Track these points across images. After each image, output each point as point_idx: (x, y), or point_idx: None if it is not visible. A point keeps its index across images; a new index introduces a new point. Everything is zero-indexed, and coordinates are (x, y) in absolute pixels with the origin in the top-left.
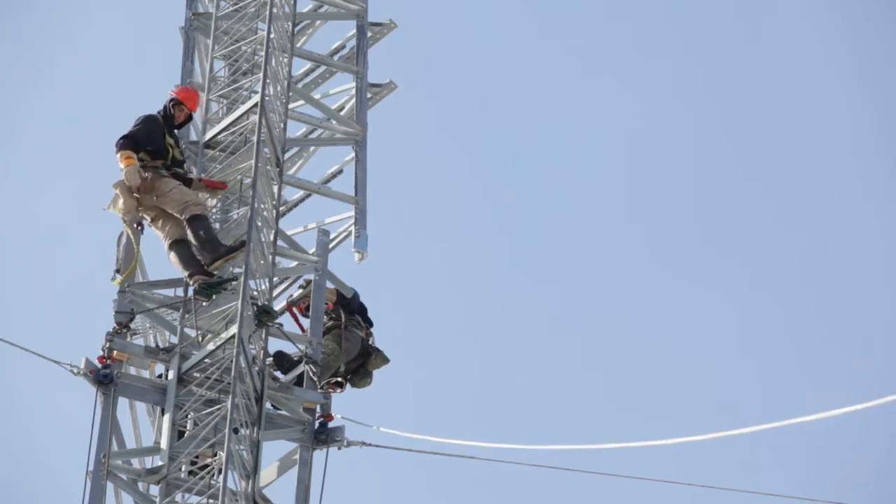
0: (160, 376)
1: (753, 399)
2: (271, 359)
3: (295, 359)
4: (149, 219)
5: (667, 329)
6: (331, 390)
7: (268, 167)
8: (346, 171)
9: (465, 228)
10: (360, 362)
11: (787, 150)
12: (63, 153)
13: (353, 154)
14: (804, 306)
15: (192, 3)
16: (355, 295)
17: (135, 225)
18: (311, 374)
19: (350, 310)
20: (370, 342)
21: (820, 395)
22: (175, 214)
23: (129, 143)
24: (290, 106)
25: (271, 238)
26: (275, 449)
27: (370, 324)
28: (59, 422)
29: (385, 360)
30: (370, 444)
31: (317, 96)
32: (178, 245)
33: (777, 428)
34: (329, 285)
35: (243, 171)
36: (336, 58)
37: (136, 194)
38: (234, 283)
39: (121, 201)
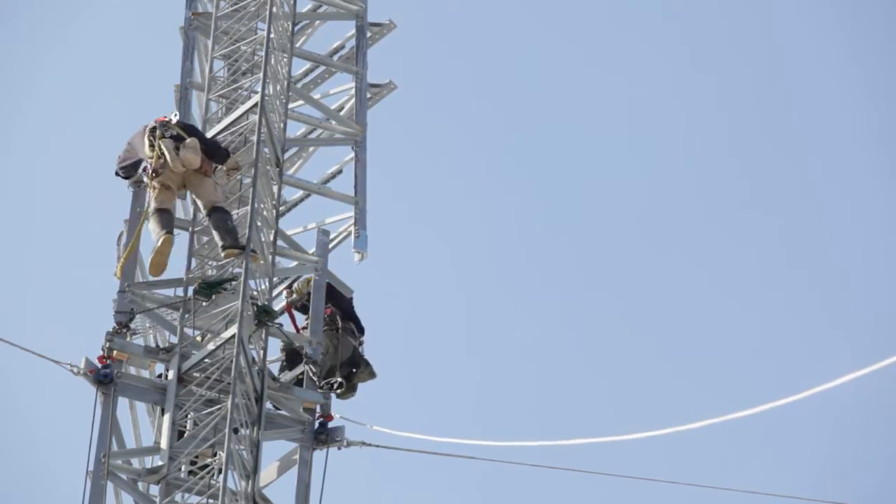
0: (160, 376)
1: (761, 400)
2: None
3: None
4: (155, 185)
5: (674, 328)
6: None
7: (268, 167)
8: (346, 171)
9: (465, 228)
10: (348, 371)
11: (792, 149)
12: (63, 153)
13: (352, 154)
14: (810, 305)
15: (192, 2)
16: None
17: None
18: (311, 374)
19: (345, 316)
20: (361, 352)
21: (826, 393)
22: (200, 204)
23: None
24: (290, 106)
25: (271, 238)
26: (275, 449)
27: (362, 332)
28: (59, 422)
29: (372, 375)
30: (370, 444)
31: (316, 96)
32: (162, 213)
33: (778, 428)
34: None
35: (243, 171)
36: (336, 58)
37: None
38: (233, 283)
39: (191, 155)
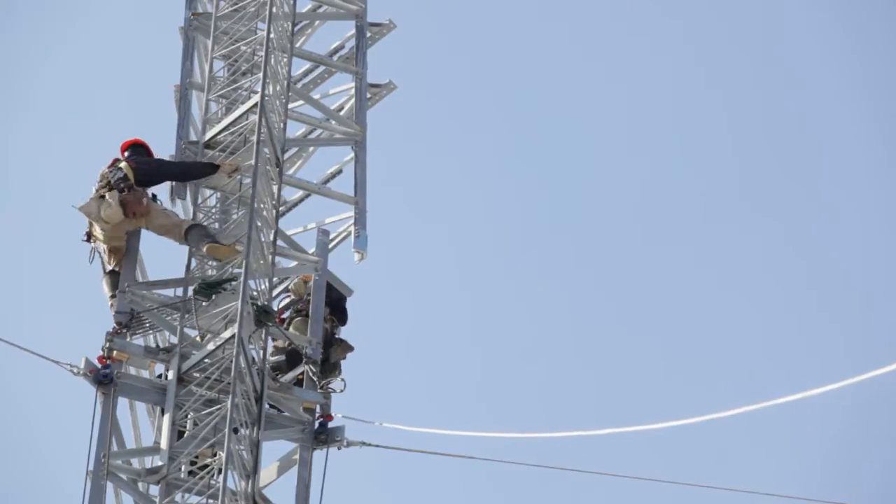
0: (160, 376)
1: (762, 399)
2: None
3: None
4: (105, 246)
5: (677, 326)
6: None
7: (267, 167)
8: (346, 171)
9: (466, 227)
10: (324, 354)
11: (793, 148)
12: (62, 153)
13: (352, 154)
14: (810, 304)
15: (192, 3)
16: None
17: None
18: (310, 374)
19: (330, 306)
20: (334, 333)
21: (826, 396)
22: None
23: None
24: (290, 106)
25: (271, 238)
26: (275, 449)
27: (342, 317)
28: (59, 422)
29: (348, 348)
30: (370, 444)
31: (316, 96)
32: (112, 276)
33: (778, 428)
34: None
35: (243, 171)
36: (335, 58)
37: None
38: (233, 283)
39: (110, 211)
